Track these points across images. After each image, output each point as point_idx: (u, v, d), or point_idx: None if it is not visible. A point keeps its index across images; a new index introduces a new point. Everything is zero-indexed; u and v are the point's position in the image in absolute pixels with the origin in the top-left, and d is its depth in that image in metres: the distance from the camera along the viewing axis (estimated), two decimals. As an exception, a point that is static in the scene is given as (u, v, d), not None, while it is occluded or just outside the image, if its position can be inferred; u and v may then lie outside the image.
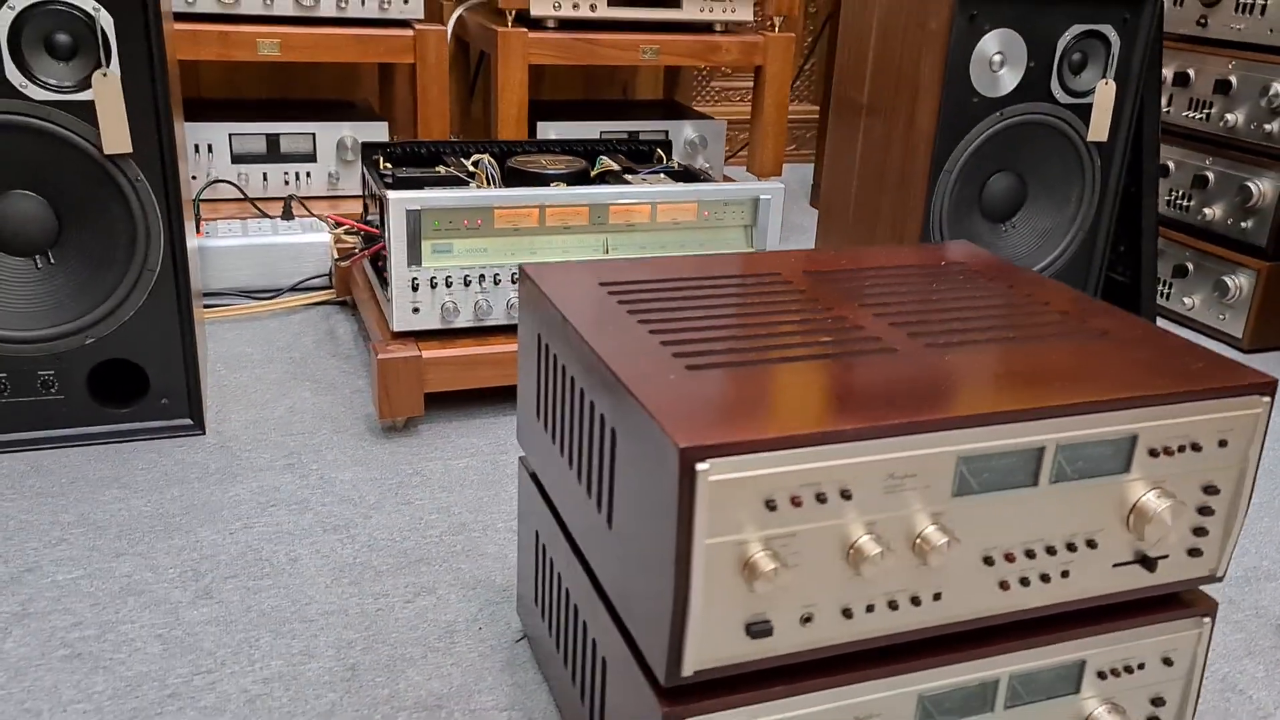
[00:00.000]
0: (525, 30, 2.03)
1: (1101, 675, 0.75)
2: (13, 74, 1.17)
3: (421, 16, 2.01)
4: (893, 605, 0.66)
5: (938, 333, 0.77)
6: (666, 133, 2.22)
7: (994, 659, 0.71)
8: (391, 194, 1.33)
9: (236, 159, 2.05)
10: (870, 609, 0.66)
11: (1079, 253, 1.70)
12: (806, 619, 0.64)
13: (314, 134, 2.09)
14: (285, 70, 2.41)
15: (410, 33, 1.98)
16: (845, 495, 0.62)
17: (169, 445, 1.33)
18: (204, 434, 1.36)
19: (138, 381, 1.33)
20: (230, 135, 2.04)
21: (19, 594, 1.02)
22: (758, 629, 0.63)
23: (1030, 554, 0.69)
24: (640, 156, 1.79)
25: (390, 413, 1.36)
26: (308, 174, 2.10)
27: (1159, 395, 0.68)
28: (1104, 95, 1.59)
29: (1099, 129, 1.61)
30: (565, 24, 2.11)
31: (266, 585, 1.05)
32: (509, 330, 1.44)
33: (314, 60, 1.99)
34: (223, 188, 2.03)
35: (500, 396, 1.51)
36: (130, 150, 1.22)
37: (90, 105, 1.20)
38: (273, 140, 2.07)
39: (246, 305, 1.81)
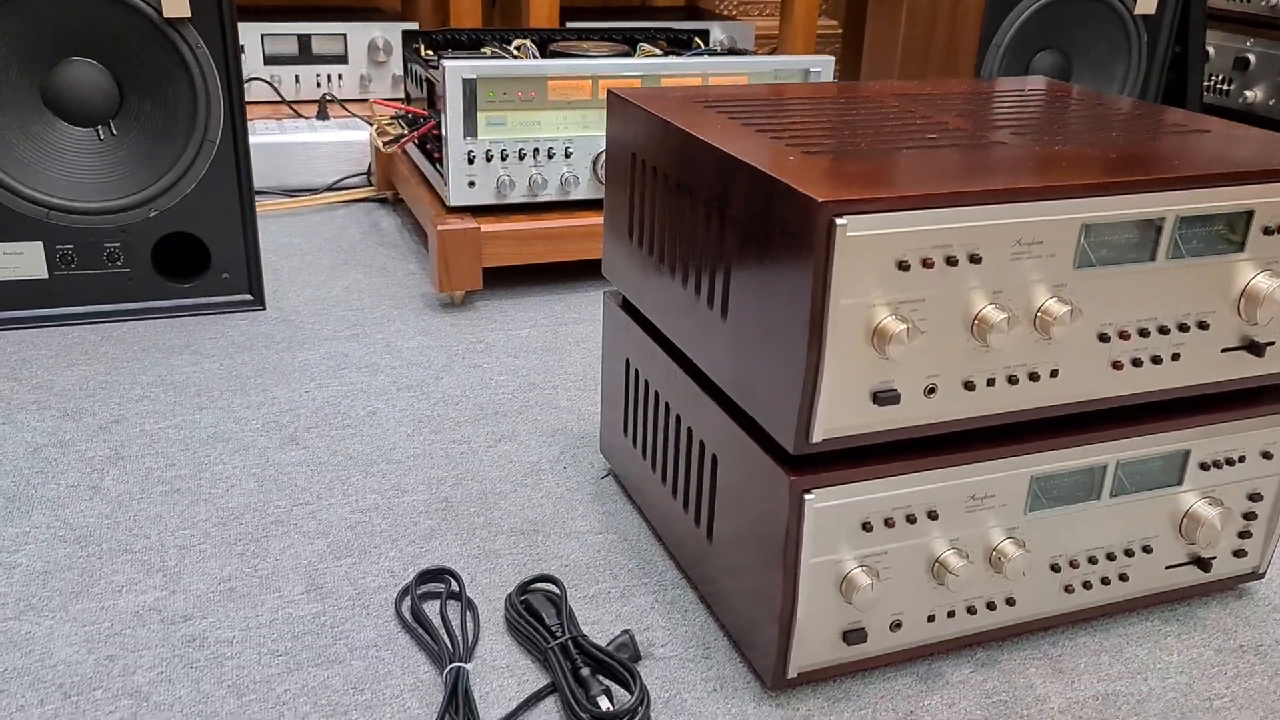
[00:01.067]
0: (558, -76, 2.00)
1: (1204, 467, 0.77)
2: (73, -65, 1.17)
3: (453, -90, 1.98)
4: (1012, 380, 0.67)
5: (1041, 133, 0.77)
6: (707, 31, 2.20)
7: (1103, 444, 0.73)
8: (448, 62, 1.32)
9: (269, 60, 2.04)
10: (991, 383, 0.67)
11: (1125, 132, 1.70)
12: (930, 390, 0.65)
13: (345, 34, 2.07)
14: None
15: (443, -73, 1.96)
16: (974, 259, 0.63)
17: (232, 319, 1.33)
18: (265, 309, 1.37)
19: (200, 256, 1.34)
20: (263, 35, 2.02)
21: (109, 441, 1.03)
22: (885, 396, 0.64)
23: (1144, 332, 0.70)
24: (680, 45, 1.78)
25: (450, 285, 1.36)
26: (339, 76, 2.09)
27: (1275, 171, 0.69)
28: (1153, -32, 1.58)
29: (1146, 2, 1.60)
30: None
31: (349, 434, 1.06)
32: (562, 207, 1.44)
33: (347, -44, 1.97)
34: (256, 92, 2.02)
35: (553, 275, 1.52)
36: (189, 14, 1.22)
37: (150, -33, 1.19)
38: (304, 41, 2.05)
39: (289, 200, 1.81)
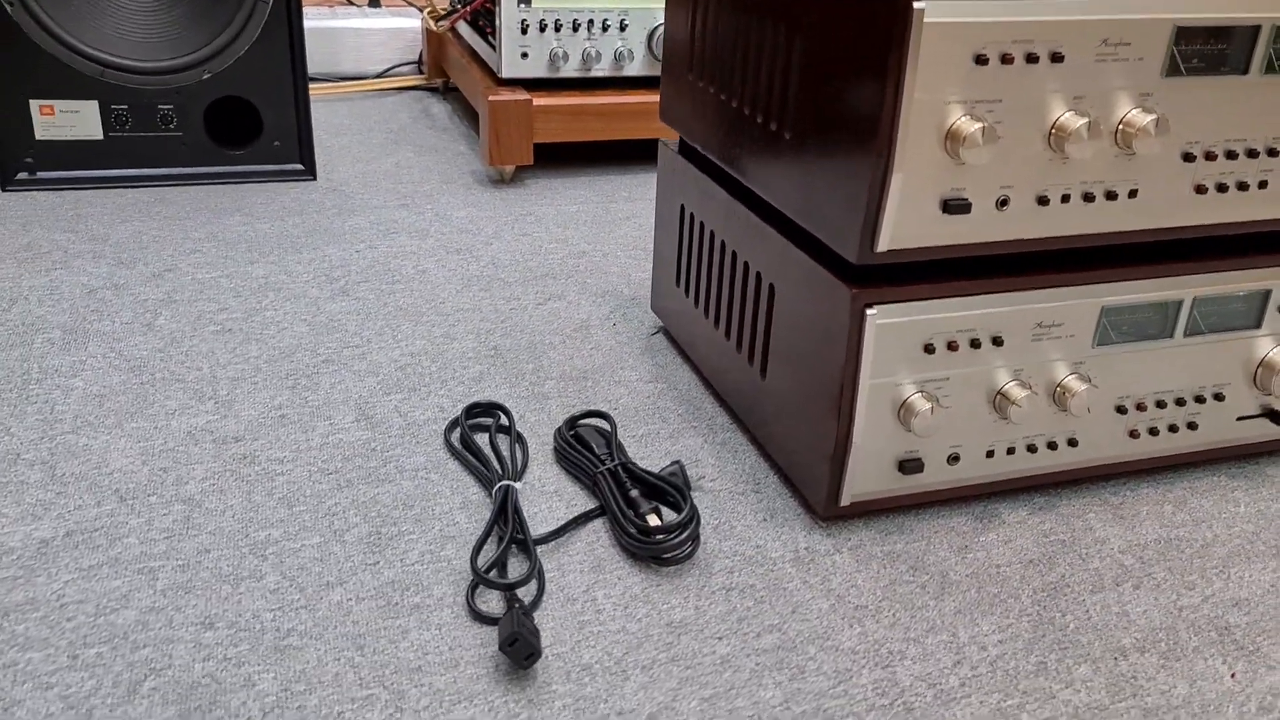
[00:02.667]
0: None
1: (1282, 311, 0.74)
2: None
3: None
4: (1088, 198, 0.64)
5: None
6: None
7: (1181, 278, 0.70)
8: (505, -74, 1.29)
9: (322, -53, 2.01)
10: (1066, 199, 0.64)
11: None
12: (1003, 203, 0.63)
13: (400, -78, 2.04)
14: None
15: None
16: (1056, 58, 0.59)
17: (283, 187, 1.33)
18: (315, 179, 1.36)
19: (252, 123, 1.33)
20: (316, -79, 1.99)
21: (162, 286, 1.03)
22: (955, 205, 0.62)
23: (1232, 154, 0.66)
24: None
25: (500, 159, 1.35)
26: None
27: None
28: None
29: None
30: None
31: (400, 288, 1.06)
32: (616, 84, 1.41)
33: None
34: (308, -21, 2.00)
35: (605, 156, 1.50)
36: None
37: None
38: (358, -72, 2.02)
39: (339, 85, 1.79)
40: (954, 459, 0.70)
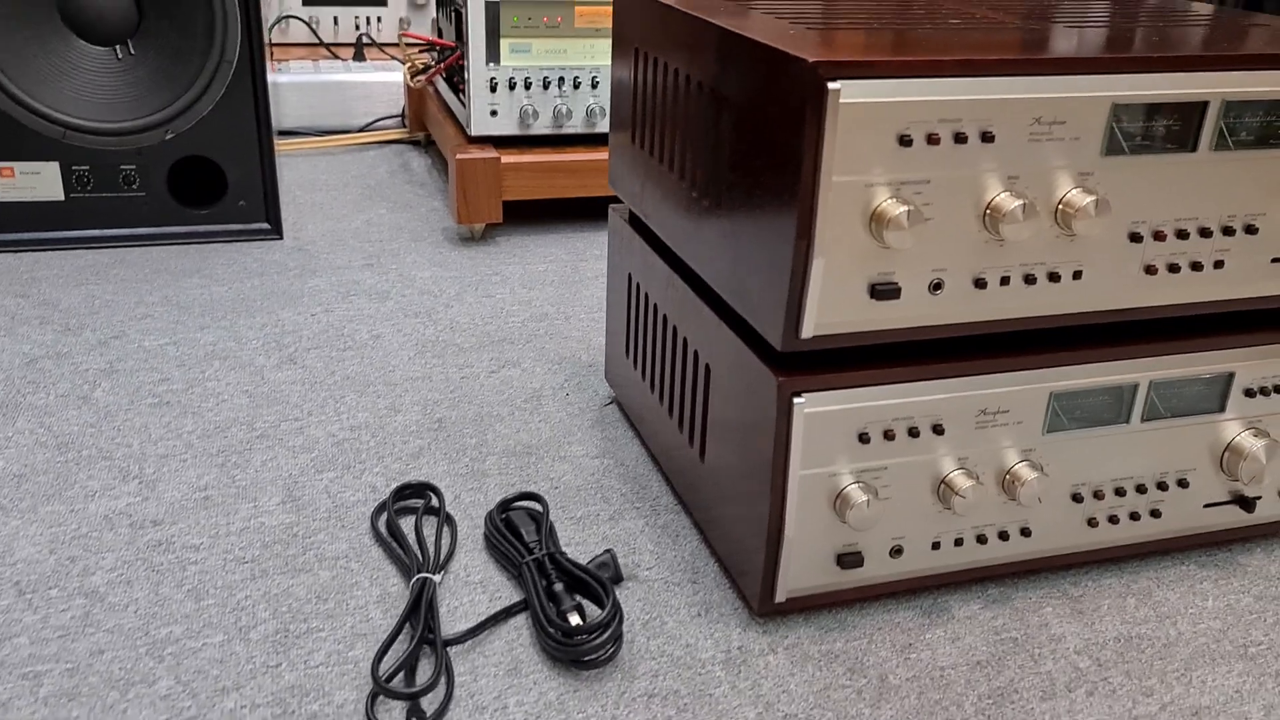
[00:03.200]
0: None
1: (1249, 393, 0.70)
2: None
3: None
4: (1029, 280, 0.61)
5: (1089, 22, 0.70)
6: None
7: (1134, 361, 0.66)
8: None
9: (308, 0, 2.02)
10: (1005, 282, 0.61)
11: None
12: (936, 286, 0.59)
13: (385, -24, 2.04)
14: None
15: None
16: (986, 137, 0.56)
17: (248, 247, 1.31)
18: (281, 239, 1.34)
19: (216, 182, 1.31)
20: (302, -24, 2.00)
21: (106, 355, 1.01)
22: (884, 289, 0.58)
23: (1183, 234, 0.63)
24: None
25: (469, 218, 1.32)
26: (378, 19, 2.06)
27: (1335, 58, 0.61)
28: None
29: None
30: None
31: (350, 356, 1.03)
32: (588, 141, 1.39)
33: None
34: (296, 33, 2.00)
35: (578, 212, 1.47)
36: (206, -72, 1.19)
37: (165, -121, 1.16)
38: (344, -18, 2.03)
39: (319, 140, 1.78)
40: (897, 551, 0.67)
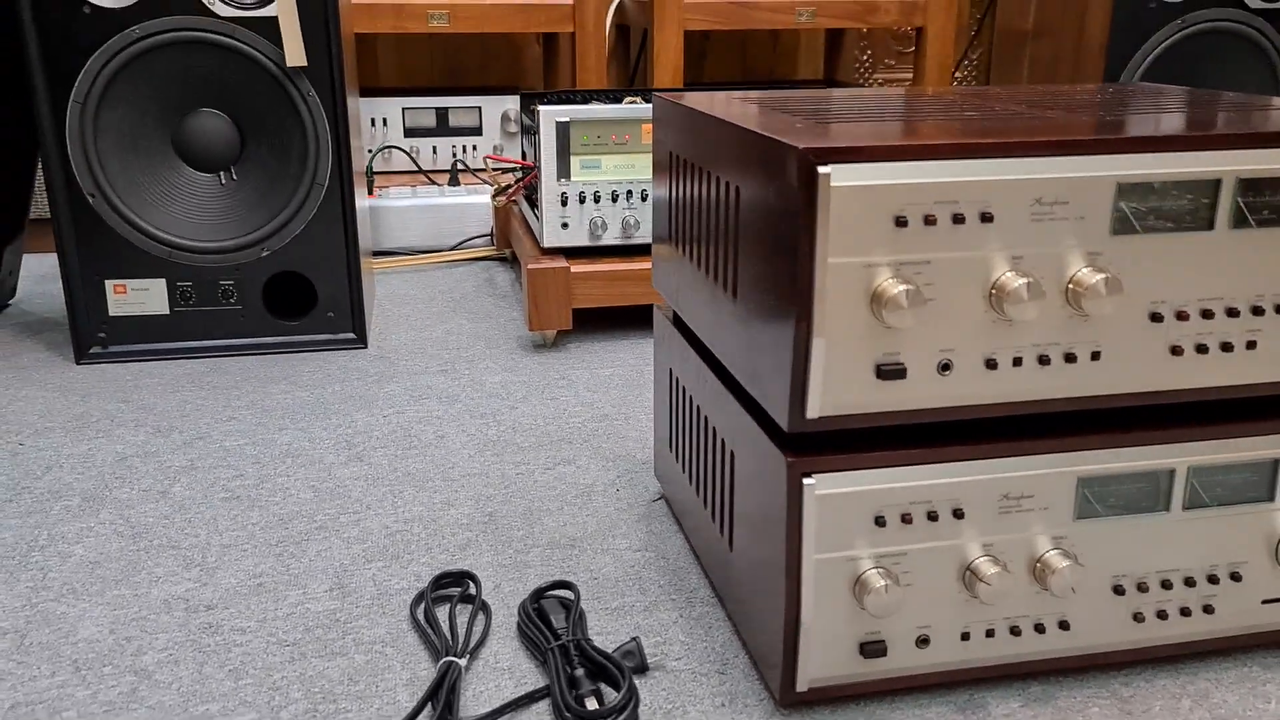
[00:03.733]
0: (682, -5, 2.05)
1: (1299, 481, 0.66)
2: (201, -6, 1.27)
3: (578, -15, 2.06)
4: (1043, 360, 0.60)
5: (1100, 110, 0.71)
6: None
7: (1166, 446, 0.64)
8: (543, 108, 1.36)
9: (409, 132, 2.15)
10: (1018, 362, 0.60)
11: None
12: (944, 366, 0.59)
13: (480, 107, 2.17)
14: (458, 59, 2.52)
15: (569, 2, 2.04)
16: (986, 218, 0.57)
17: (334, 355, 1.38)
18: (366, 347, 1.41)
19: (307, 295, 1.40)
20: (403, 109, 2.14)
21: (189, 454, 1.07)
22: (889, 370, 0.59)
23: (1207, 314, 0.62)
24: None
25: (539, 324, 1.37)
26: (474, 146, 2.18)
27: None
28: (1302, -2, 1.47)
29: (1297, 36, 1.48)
30: (722, -10, 2.12)
31: (414, 454, 1.07)
32: (659, 251, 1.43)
33: (480, 30, 2.07)
34: (398, 162, 2.13)
35: (646, 320, 1.50)
36: (306, 64, 1.30)
37: (270, 21, 1.28)
38: (442, 114, 2.16)
39: (412, 258, 1.88)
40: (924, 641, 0.65)
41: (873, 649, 0.64)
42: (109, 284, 1.35)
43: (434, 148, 2.17)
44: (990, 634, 0.66)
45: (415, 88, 2.45)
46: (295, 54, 1.28)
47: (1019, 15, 1.64)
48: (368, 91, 2.23)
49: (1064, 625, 0.66)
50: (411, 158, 2.10)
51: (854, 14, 2.15)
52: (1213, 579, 0.67)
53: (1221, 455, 0.65)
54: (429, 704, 0.65)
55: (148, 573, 0.84)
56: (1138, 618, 0.67)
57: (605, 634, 0.75)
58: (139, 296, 1.36)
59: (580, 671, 0.67)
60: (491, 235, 1.96)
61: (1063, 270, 0.59)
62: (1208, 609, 0.68)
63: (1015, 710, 0.67)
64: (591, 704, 0.64)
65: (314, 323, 1.40)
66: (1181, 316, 0.61)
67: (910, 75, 2.99)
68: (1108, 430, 0.64)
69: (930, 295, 0.58)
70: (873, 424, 0.60)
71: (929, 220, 0.57)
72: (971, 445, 0.62)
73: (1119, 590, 0.66)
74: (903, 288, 0.56)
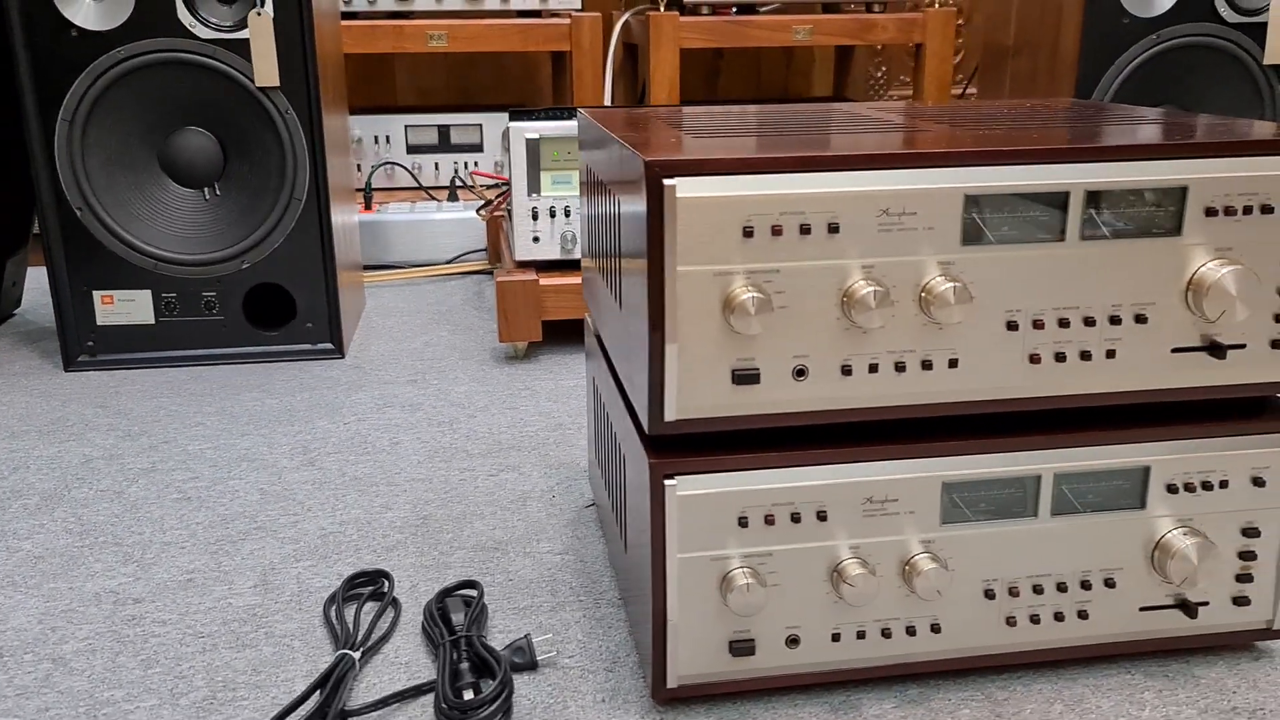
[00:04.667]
0: (676, 14, 2.08)
1: (1171, 489, 0.67)
2: (184, 15, 1.32)
3: (578, 7, 2.10)
4: (899, 368, 0.62)
5: (987, 124, 0.73)
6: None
7: (1030, 453, 0.65)
8: (512, 124, 1.39)
9: (412, 149, 2.20)
10: (874, 369, 0.62)
11: (1259, 191, 1.54)
12: (799, 372, 0.61)
13: (481, 124, 2.21)
14: (471, 77, 2.57)
15: (567, 21, 2.08)
16: (832, 228, 0.59)
17: (311, 364, 1.42)
18: (343, 357, 1.45)
19: (286, 306, 1.44)
20: (406, 126, 2.19)
21: (152, 457, 1.11)
22: (743, 375, 0.61)
23: (1064, 323, 0.63)
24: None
25: (509, 336, 1.40)
26: (475, 163, 2.22)
27: (1210, 145, 0.61)
28: (1279, 12, 1.46)
29: (1276, 51, 1.48)
30: (720, 9, 2.15)
31: (365, 459, 1.10)
32: (630, 264, 1.45)
33: (479, 50, 2.12)
34: (401, 178, 2.18)
35: (625, 335, 1.53)
36: (278, 83, 1.34)
37: (247, 43, 1.33)
38: (444, 131, 2.21)
39: (404, 271, 1.92)
40: (793, 641, 0.66)
41: (741, 647, 0.66)
42: (97, 295, 1.40)
43: (436, 164, 2.21)
44: (861, 635, 0.67)
45: (422, 106, 2.51)
46: (266, 74, 1.33)
47: (1001, 30, 1.65)
48: (375, 109, 2.28)
49: (935, 628, 0.67)
50: (412, 174, 2.15)
51: (852, 32, 2.17)
52: (1086, 585, 0.68)
53: (1088, 462, 0.66)
54: (317, 692, 0.68)
55: (86, 568, 0.88)
56: (1010, 622, 0.68)
57: (509, 632, 0.78)
58: (125, 307, 1.41)
59: (465, 665, 0.69)
60: (486, 249, 2.00)
61: (915, 279, 0.61)
62: (1083, 615, 0.69)
63: (888, 711, 0.68)
64: (468, 694, 0.66)
65: (293, 333, 1.45)
66: (1038, 325, 0.63)
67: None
68: (971, 436, 0.65)
69: (782, 303, 0.60)
70: (733, 427, 0.62)
71: (776, 230, 0.59)
72: (831, 449, 0.63)
73: (990, 594, 0.67)
74: (750, 295, 0.58)
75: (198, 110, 1.37)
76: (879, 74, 2.99)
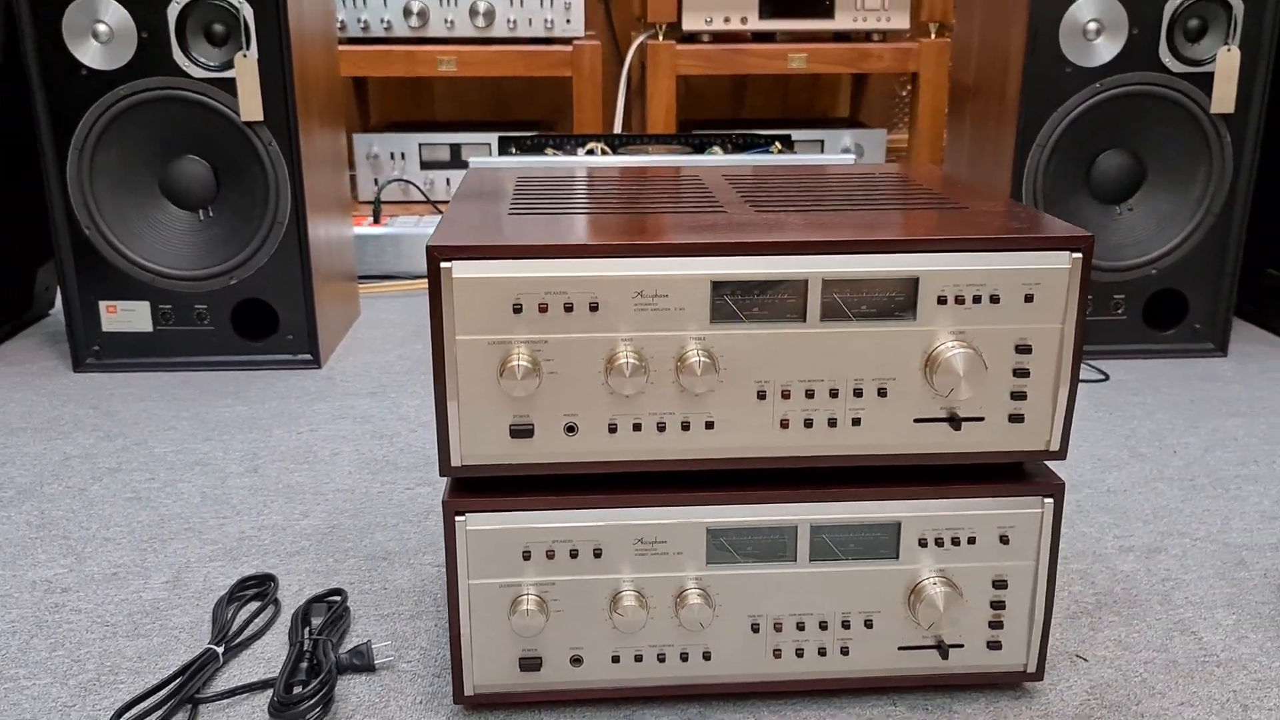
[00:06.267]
0: (674, 43, 2.17)
1: (923, 543, 0.74)
2: (179, 56, 1.46)
3: (581, 34, 2.20)
4: (660, 427, 0.71)
5: (779, 205, 0.81)
6: (789, 135, 2.25)
7: (785, 505, 0.73)
8: (474, 160, 1.50)
9: (425, 165, 2.33)
10: (638, 428, 0.71)
11: (1207, 240, 1.57)
12: (570, 429, 0.70)
13: (490, 144, 2.33)
14: (505, 96, 2.69)
15: (569, 49, 2.18)
16: (593, 307, 0.68)
17: (288, 374, 1.55)
18: (320, 368, 1.58)
19: (270, 319, 1.58)
20: (420, 144, 2.32)
21: (121, 458, 1.25)
22: (518, 429, 0.70)
23: (810, 394, 0.71)
24: (746, 147, 1.86)
25: (467, 355, 1.51)
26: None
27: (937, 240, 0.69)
28: (1226, 63, 1.49)
29: (1223, 100, 1.50)
30: (719, 37, 2.23)
31: (303, 468, 1.22)
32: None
33: (486, 75, 2.23)
34: (413, 192, 2.31)
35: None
36: (261, 118, 1.47)
37: (235, 81, 1.46)
38: (455, 149, 2.33)
39: (403, 282, 2.05)
40: (577, 660, 0.76)
41: (529, 663, 0.75)
42: (102, 304, 1.56)
43: (448, 180, 2.34)
44: (639, 658, 0.76)
45: (458, 122, 2.64)
46: (251, 110, 1.46)
47: (964, 70, 1.70)
48: (406, 125, 2.42)
49: (707, 655, 0.76)
50: (421, 190, 2.28)
51: (847, 60, 2.23)
52: (846, 624, 0.76)
53: (841, 516, 0.74)
54: (176, 680, 0.79)
55: (32, 558, 1.01)
56: (777, 654, 0.76)
57: (365, 637, 0.88)
58: (127, 316, 1.56)
59: (304, 665, 0.80)
60: (484, 264, 2.12)
61: (670, 352, 0.69)
62: (844, 650, 0.76)
63: (663, 727, 0.77)
64: (297, 689, 0.77)
65: (275, 345, 1.58)
66: (785, 395, 0.71)
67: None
68: (731, 487, 0.73)
69: (552, 369, 0.69)
70: (515, 473, 0.72)
71: (542, 308, 0.68)
72: (603, 494, 0.72)
73: (755, 628, 0.76)
74: (517, 363, 0.68)
75: (193, 140, 1.51)
76: (904, 92, 3.03)
